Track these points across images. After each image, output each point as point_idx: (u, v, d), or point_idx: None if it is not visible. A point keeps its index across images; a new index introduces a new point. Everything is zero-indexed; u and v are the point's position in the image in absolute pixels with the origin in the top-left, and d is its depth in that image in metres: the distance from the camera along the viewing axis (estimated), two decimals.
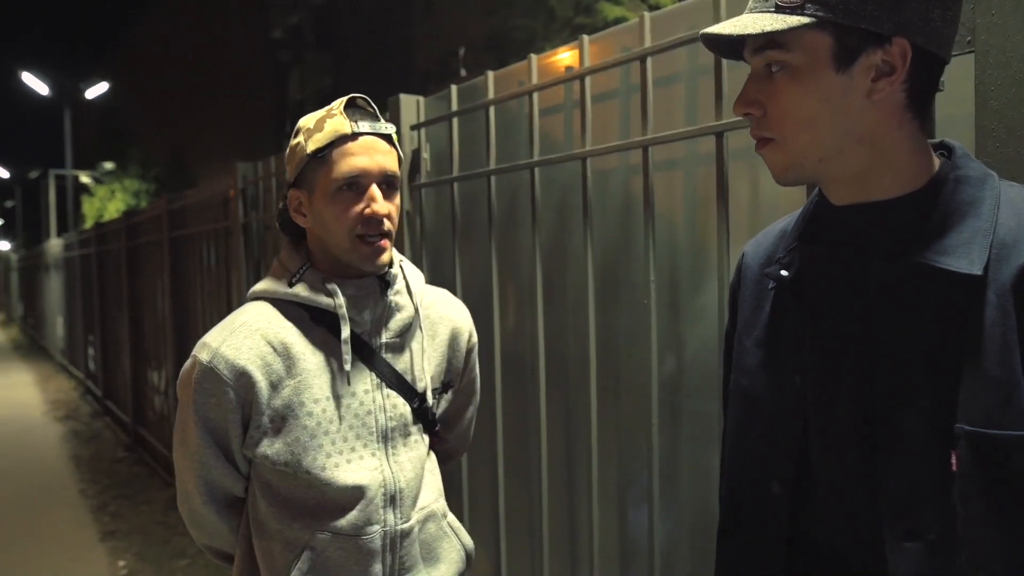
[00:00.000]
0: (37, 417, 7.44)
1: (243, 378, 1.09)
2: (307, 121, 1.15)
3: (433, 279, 2.13)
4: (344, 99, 1.13)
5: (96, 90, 21.16)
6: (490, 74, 1.84)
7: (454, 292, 1.97)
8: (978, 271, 0.68)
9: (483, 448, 1.92)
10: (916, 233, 0.72)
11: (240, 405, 1.10)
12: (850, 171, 0.75)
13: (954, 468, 0.68)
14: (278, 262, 1.20)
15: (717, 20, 1.28)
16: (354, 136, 1.10)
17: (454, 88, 1.97)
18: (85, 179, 22.45)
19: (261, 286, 1.19)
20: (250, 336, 1.12)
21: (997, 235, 0.70)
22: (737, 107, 0.78)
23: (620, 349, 1.62)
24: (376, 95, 2.16)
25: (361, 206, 1.10)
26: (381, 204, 1.10)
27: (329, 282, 1.14)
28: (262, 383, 1.10)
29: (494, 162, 1.83)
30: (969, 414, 0.68)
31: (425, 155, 2.10)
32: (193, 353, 1.14)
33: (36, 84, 19.82)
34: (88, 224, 14.99)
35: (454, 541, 1.25)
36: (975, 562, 0.67)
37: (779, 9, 0.72)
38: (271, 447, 1.10)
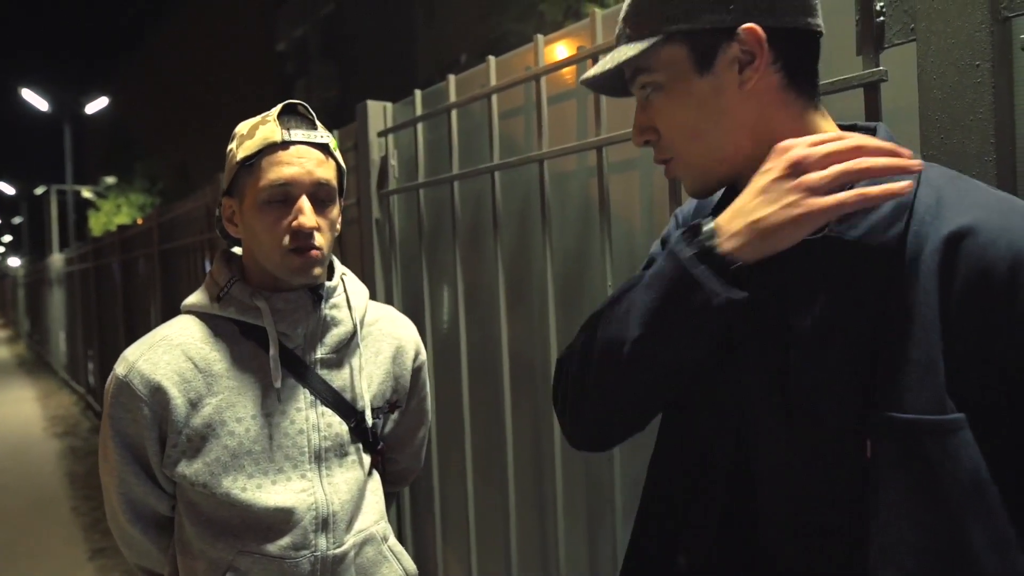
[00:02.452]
0: (36, 433, 7.43)
1: (158, 394, 1.05)
2: (243, 127, 1.11)
3: (404, 286, 2.09)
4: (280, 105, 1.09)
5: (96, 105, 21.29)
6: (451, 77, 1.81)
7: (422, 300, 1.93)
8: (893, 254, 0.66)
9: (453, 459, 1.87)
10: None
11: (156, 422, 1.06)
12: (754, 162, 0.72)
13: (868, 456, 0.65)
14: (209, 274, 1.16)
15: None
16: (284, 144, 1.05)
17: (418, 93, 1.94)
18: (87, 194, 22.59)
19: (190, 300, 1.15)
20: (169, 351, 1.08)
21: (917, 216, 0.67)
22: (635, 139, 0.79)
23: None
24: (362, 102, 2.13)
25: (288, 218, 1.05)
26: (309, 217, 1.04)
27: (257, 296, 1.09)
28: (178, 400, 1.06)
29: (457, 167, 1.79)
30: (884, 398, 0.65)
31: (393, 162, 2.06)
32: (114, 367, 1.10)
33: (36, 100, 19.97)
34: (94, 234, 15.07)
35: (394, 566, 1.19)
36: (886, 554, 0.63)
37: (630, 38, 0.76)
38: (189, 467, 1.06)
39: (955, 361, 0.63)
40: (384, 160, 2.07)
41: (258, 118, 1.10)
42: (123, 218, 20.31)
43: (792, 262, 0.70)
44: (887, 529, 0.64)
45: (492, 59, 1.67)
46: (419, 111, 1.92)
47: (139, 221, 5.91)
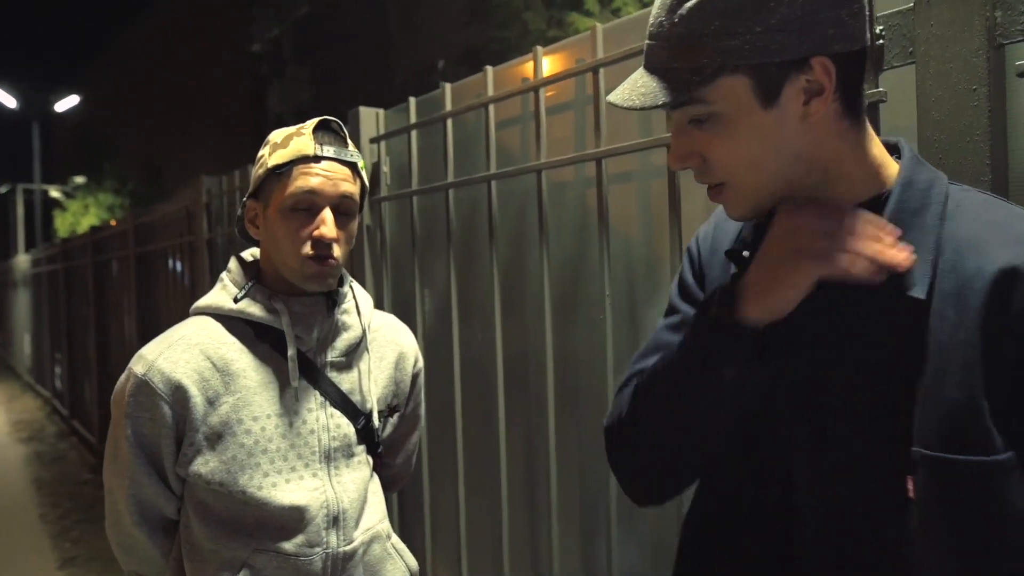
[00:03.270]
0: (0, 439, 7.25)
1: (178, 392, 1.07)
2: (276, 135, 1.15)
3: (394, 293, 2.09)
4: (317, 120, 1.13)
5: (66, 103, 20.90)
6: (447, 86, 1.82)
7: (414, 307, 1.94)
8: (920, 295, 0.65)
9: (445, 464, 1.88)
10: None
11: (175, 421, 1.08)
12: (804, 192, 0.72)
13: (910, 494, 0.65)
14: (224, 276, 1.18)
15: None
16: (316, 159, 1.09)
17: (412, 100, 1.95)
18: (55, 194, 22.13)
19: (205, 301, 1.16)
20: (188, 350, 1.10)
21: (949, 246, 0.67)
22: (673, 163, 0.74)
23: (578, 364, 1.59)
24: (355, 108, 2.13)
25: (311, 228, 1.09)
26: (330, 228, 1.08)
27: (275, 299, 1.12)
28: (198, 398, 1.07)
29: (452, 175, 1.80)
30: (925, 437, 0.64)
31: (385, 168, 2.07)
32: (129, 366, 1.11)
33: (4, 97, 19.54)
34: (60, 236, 14.75)
35: (399, 562, 1.23)
36: None
37: (677, 70, 0.68)
38: (206, 465, 1.07)
39: (1003, 400, 0.62)
40: (376, 166, 2.07)
41: (293, 129, 1.14)
42: (91, 219, 19.91)
43: (825, 298, 0.69)
44: (934, 568, 0.64)
45: (489, 69, 1.68)
46: (413, 119, 1.92)
47: (113, 223, 5.81)
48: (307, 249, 1.08)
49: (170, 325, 1.19)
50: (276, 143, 1.12)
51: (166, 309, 4.05)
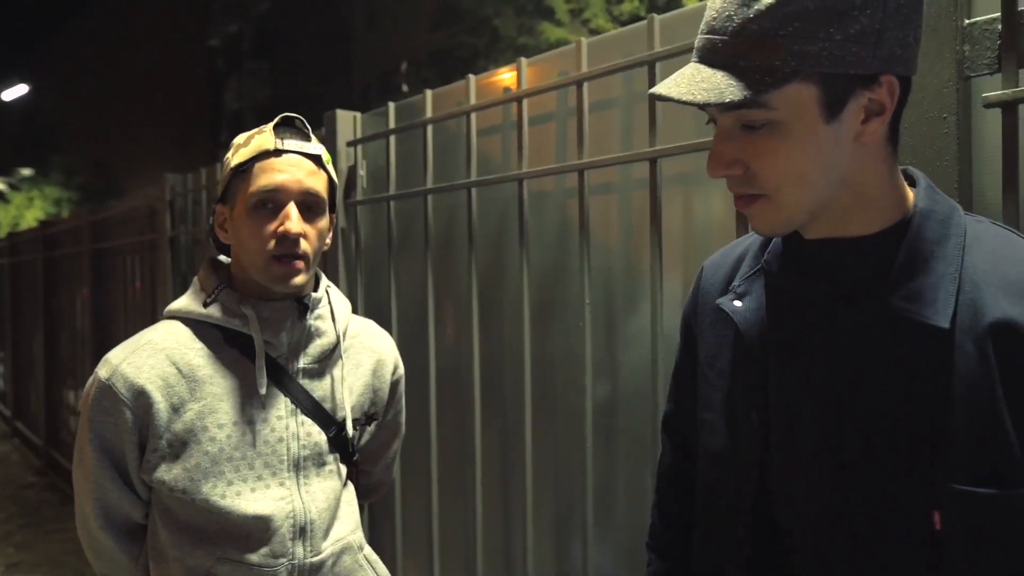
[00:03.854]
0: None
1: (141, 398, 1.05)
2: (240, 138, 1.14)
3: (368, 297, 2.09)
4: (279, 117, 1.12)
5: (13, 92, 20.14)
6: (428, 93, 1.83)
7: (389, 311, 1.94)
8: (945, 324, 0.65)
9: (418, 470, 1.88)
10: (886, 273, 0.68)
11: (137, 427, 1.06)
12: (835, 213, 0.71)
13: (937, 527, 0.65)
14: (196, 280, 1.17)
15: (651, 48, 1.31)
16: (277, 152, 1.08)
17: (391, 105, 1.95)
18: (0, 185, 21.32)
19: (176, 305, 1.15)
20: (154, 355, 1.08)
21: (968, 278, 0.66)
22: (715, 170, 0.70)
23: (556, 371, 1.62)
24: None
25: (275, 224, 1.07)
26: (295, 223, 1.06)
27: (244, 303, 1.11)
28: (161, 404, 1.06)
29: (431, 181, 1.81)
30: (952, 471, 0.64)
31: (361, 172, 2.07)
32: (95, 369, 1.10)
33: None
34: (2, 232, 14.19)
35: (370, 574, 1.21)
36: None
37: (743, 68, 0.64)
38: (169, 472, 1.06)
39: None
40: (352, 170, 2.07)
41: (256, 130, 1.13)
42: (36, 212, 19.21)
43: (846, 328, 0.69)
44: None
45: (472, 77, 1.71)
46: (392, 124, 1.93)
47: (65, 215, 5.63)
48: (272, 247, 1.06)
49: (127, 324, 1.18)
50: (239, 144, 1.12)
51: (124, 308, 3.95)
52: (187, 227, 3.16)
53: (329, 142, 2.08)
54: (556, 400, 1.62)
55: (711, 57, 0.66)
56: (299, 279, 1.09)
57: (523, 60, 1.58)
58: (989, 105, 0.90)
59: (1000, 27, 0.90)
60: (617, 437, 1.49)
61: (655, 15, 1.32)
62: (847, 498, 0.70)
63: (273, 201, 1.07)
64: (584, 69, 1.44)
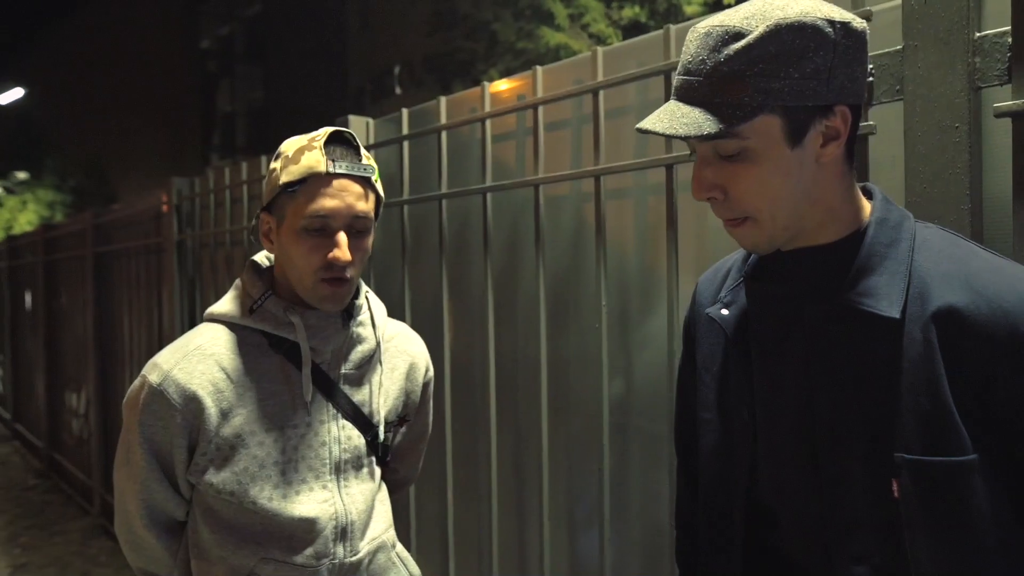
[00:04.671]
0: None
1: (192, 403, 1.07)
2: (288, 147, 1.11)
3: (382, 300, 2.12)
4: (328, 131, 1.09)
5: (9, 96, 20.07)
6: (442, 99, 1.87)
7: (402, 314, 1.97)
8: (896, 314, 0.74)
9: (433, 471, 1.91)
10: (844, 275, 0.78)
11: (187, 431, 1.08)
12: (807, 228, 0.81)
13: (895, 495, 0.74)
14: (239, 284, 1.18)
15: (667, 57, 1.35)
16: (328, 177, 1.06)
17: (405, 112, 1.99)
18: None
19: (220, 309, 1.16)
20: (203, 361, 1.10)
21: (916, 275, 0.76)
22: (698, 193, 0.80)
23: (571, 372, 1.66)
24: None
25: (325, 250, 1.06)
26: (344, 251, 1.06)
27: (291, 311, 1.12)
28: (212, 410, 1.08)
29: (446, 186, 1.85)
30: (906, 443, 0.73)
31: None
32: (143, 373, 1.11)
33: None
34: None
35: (402, 571, 1.25)
36: None
37: (715, 105, 0.74)
38: (217, 475, 1.08)
39: (966, 411, 0.72)
40: None
41: (304, 140, 1.10)
42: (29, 215, 19.14)
43: (811, 325, 0.80)
44: (922, 562, 0.73)
45: (487, 84, 1.74)
46: (406, 130, 1.97)
47: (58, 218, 5.63)
48: (321, 271, 1.07)
49: (131, 327, 1.19)
50: (287, 156, 1.09)
51: (128, 311, 3.97)
52: (194, 231, 3.18)
53: None
54: (572, 400, 1.66)
55: (689, 95, 0.76)
56: (345, 298, 1.11)
57: (539, 68, 1.62)
58: (1000, 115, 0.94)
59: (1010, 40, 0.94)
60: (632, 436, 1.53)
61: (671, 25, 1.36)
62: (819, 475, 0.80)
63: (323, 226, 1.06)
64: (600, 78, 1.47)
